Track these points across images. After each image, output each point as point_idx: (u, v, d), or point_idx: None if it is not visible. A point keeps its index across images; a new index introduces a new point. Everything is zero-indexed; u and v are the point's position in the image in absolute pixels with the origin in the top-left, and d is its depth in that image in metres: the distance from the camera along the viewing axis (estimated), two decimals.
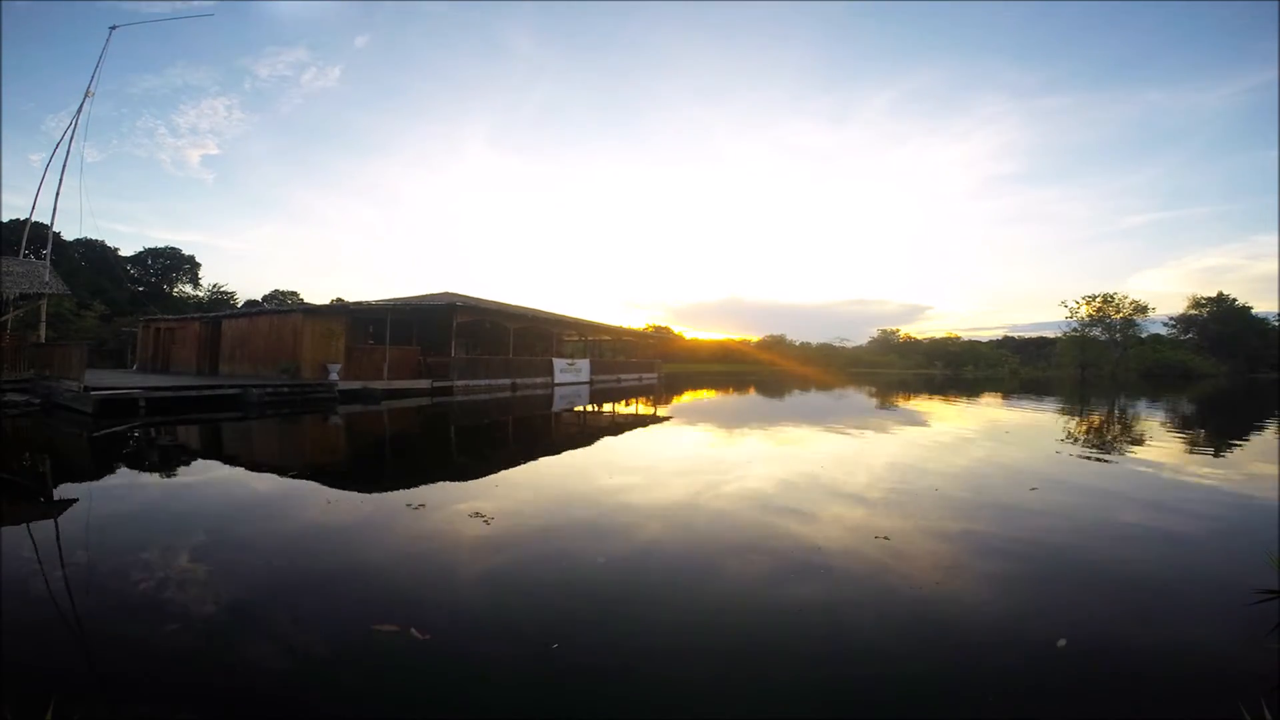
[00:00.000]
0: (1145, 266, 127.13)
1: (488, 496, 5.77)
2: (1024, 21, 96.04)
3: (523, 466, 7.84)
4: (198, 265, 59.07)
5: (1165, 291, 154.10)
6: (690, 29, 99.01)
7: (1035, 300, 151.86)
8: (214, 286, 57.76)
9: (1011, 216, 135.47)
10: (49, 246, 19.92)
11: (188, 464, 7.69)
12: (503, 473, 7.33)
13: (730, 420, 14.87)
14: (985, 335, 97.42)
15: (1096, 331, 76.25)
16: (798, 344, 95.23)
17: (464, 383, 21.09)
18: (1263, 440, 12.13)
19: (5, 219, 37.96)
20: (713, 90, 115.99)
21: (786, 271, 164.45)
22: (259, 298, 57.46)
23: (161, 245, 57.42)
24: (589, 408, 17.70)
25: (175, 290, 56.52)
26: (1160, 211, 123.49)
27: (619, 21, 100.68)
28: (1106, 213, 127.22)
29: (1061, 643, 2.77)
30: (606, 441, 10.33)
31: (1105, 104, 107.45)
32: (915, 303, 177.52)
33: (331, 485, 6.40)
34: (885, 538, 4.44)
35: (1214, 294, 77.05)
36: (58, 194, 18.52)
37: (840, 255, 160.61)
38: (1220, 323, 73.66)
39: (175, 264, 58.12)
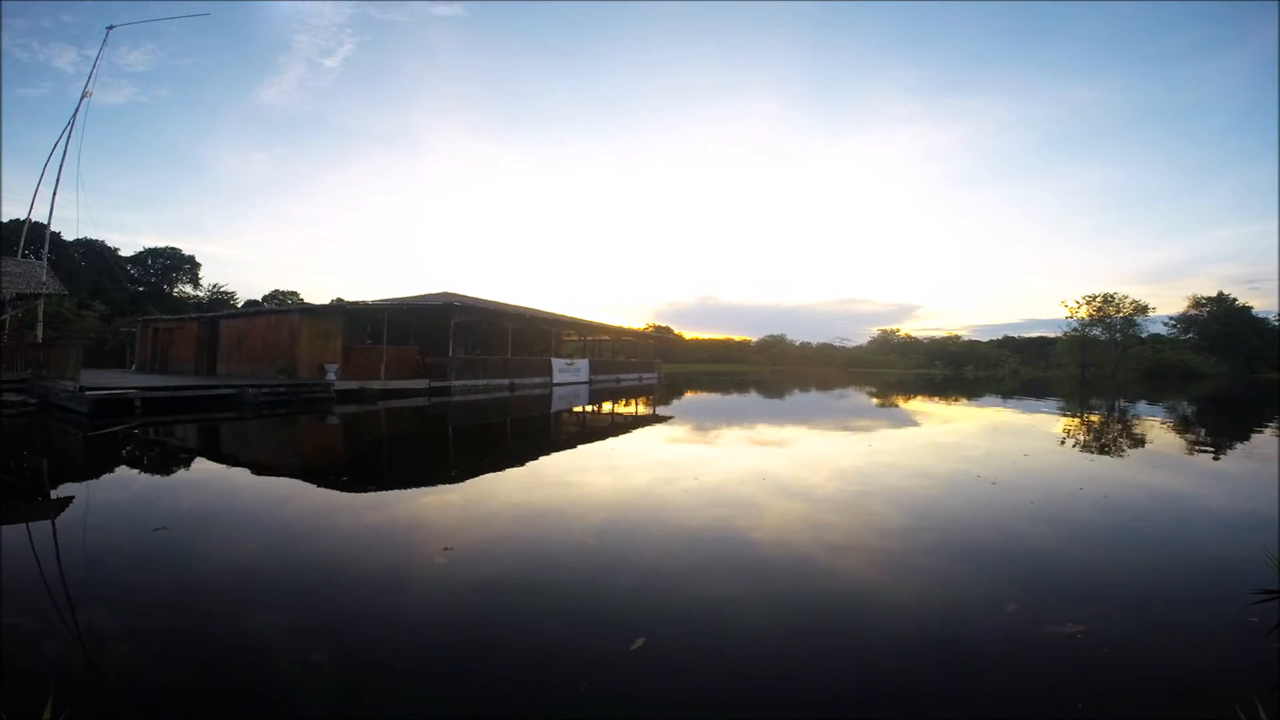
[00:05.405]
0: (1114, 264, 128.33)
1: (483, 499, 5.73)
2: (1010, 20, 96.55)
3: (515, 469, 7.81)
4: (198, 265, 59.01)
5: (1134, 293, 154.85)
6: (669, 31, 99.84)
7: (1021, 299, 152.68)
8: (214, 287, 57.74)
9: (983, 215, 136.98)
10: (47, 246, 19.88)
11: (182, 464, 7.66)
12: (494, 474, 7.30)
13: (736, 422, 14.83)
14: (967, 333, 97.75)
15: (1096, 331, 76.10)
16: (797, 344, 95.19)
17: (462, 383, 21.05)
18: (1263, 439, 12.09)
19: (5, 219, 37.92)
20: (693, 92, 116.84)
21: (772, 273, 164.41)
22: (259, 298, 57.45)
23: (161, 246, 57.47)
24: (587, 408, 17.67)
25: (175, 290, 56.47)
26: (1113, 211, 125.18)
27: (609, 25, 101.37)
28: (1060, 211, 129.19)
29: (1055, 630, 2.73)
30: (608, 441, 10.30)
31: (1044, 104, 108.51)
32: (904, 302, 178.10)
33: (319, 485, 6.38)
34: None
35: (1212, 294, 77.03)
36: (54, 194, 18.49)
37: (825, 256, 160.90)
38: (1220, 322, 73.51)
39: (175, 264, 58.08)
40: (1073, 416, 16.70)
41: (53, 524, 4.63)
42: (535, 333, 28.75)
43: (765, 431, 11.73)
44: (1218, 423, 16.74)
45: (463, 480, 6.72)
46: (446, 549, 3.99)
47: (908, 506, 5.51)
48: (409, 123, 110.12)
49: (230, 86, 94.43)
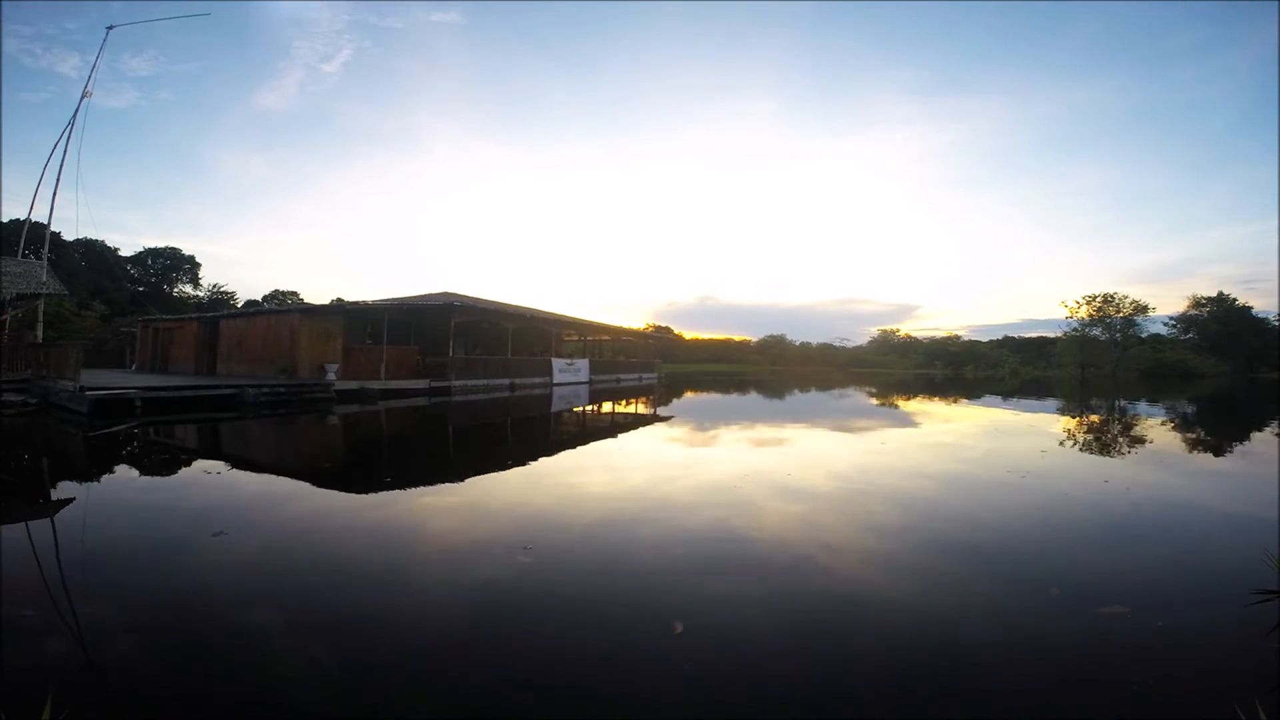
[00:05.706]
0: (1114, 264, 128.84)
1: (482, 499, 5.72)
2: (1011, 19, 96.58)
3: (513, 469, 7.81)
4: (198, 265, 59.11)
5: (1134, 293, 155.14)
6: (669, 31, 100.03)
7: (1021, 299, 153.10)
8: (214, 287, 57.80)
9: (983, 215, 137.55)
10: (47, 246, 19.88)
11: (181, 463, 7.66)
12: (495, 474, 7.30)
13: (738, 423, 14.83)
14: (967, 333, 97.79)
15: (1096, 331, 76.06)
16: (798, 344, 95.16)
17: (462, 383, 21.05)
18: (1263, 439, 12.09)
19: (5, 219, 37.92)
20: (693, 92, 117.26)
21: (772, 273, 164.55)
22: (259, 298, 57.46)
23: (161, 246, 57.48)
24: (588, 408, 17.67)
25: (175, 290, 56.52)
26: (1113, 211, 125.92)
27: (609, 25, 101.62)
28: (1060, 211, 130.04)
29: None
30: (609, 442, 10.30)
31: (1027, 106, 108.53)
32: (904, 302, 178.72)
33: (319, 485, 6.38)
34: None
35: (1211, 294, 76.99)
36: (54, 194, 18.48)
37: (825, 256, 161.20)
38: (1220, 322, 73.45)
39: (175, 264, 58.12)
40: (1075, 416, 16.71)
41: (52, 523, 4.64)
42: (535, 333, 28.75)
43: (774, 431, 11.73)
44: (1218, 423, 16.74)
45: (469, 478, 6.73)
46: (526, 548, 4.01)
47: (916, 501, 5.52)
48: (409, 123, 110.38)
49: (230, 89, 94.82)
